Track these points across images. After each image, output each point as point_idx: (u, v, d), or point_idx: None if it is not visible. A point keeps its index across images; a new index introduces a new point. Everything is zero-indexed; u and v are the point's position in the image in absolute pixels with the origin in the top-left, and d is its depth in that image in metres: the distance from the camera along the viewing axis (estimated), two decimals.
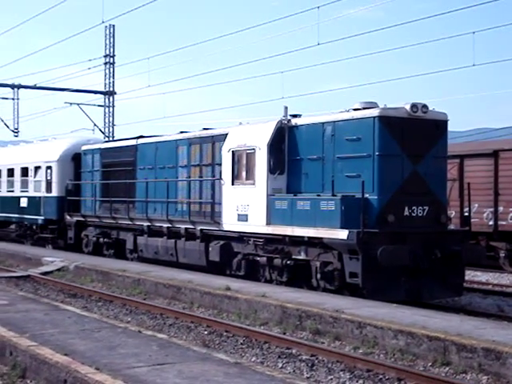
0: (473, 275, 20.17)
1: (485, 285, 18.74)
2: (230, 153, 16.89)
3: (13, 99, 38.70)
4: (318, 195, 14.60)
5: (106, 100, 39.88)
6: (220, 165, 17.45)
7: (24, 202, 27.96)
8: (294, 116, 16.17)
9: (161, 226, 19.78)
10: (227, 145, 17.10)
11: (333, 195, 14.07)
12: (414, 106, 14.04)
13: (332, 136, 14.82)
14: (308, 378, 9.05)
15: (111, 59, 39.40)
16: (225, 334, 11.94)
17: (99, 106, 39.96)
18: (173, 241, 19.10)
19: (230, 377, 7.38)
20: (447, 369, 9.44)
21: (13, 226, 29.78)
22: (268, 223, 15.66)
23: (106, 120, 39.96)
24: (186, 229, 18.65)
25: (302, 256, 15.01)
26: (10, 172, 29.58)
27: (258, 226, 15.93)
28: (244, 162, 16.47)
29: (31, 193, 27.49)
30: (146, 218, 20.46)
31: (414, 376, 8.94)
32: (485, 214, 21.63)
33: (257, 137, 16.24)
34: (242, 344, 11.20)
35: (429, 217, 14.23)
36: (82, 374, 7.37)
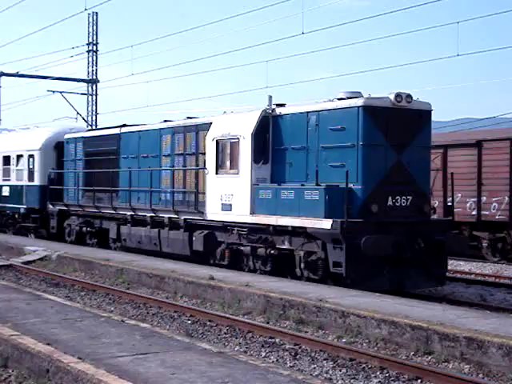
0: (456, 265, 20.30)
1: (467, 274, 18.86)
2: (214, 142, 16.84)
3: None
4: (302, 185, 14.60)
5: (89, 88, 39.68)
6: (204, 154, 17.39)
7: (6, 191, 27.76)
8: (279, 105, 16.13)
9: (144, 216, 19.71)
10: (211, 134, 17.04)
11: (317, 185, 14.07)
12: (398, 95, 14.05)
13: (316, 125, 14.81)
14: (291, 367, 9.06)
15: (94, 47, 39.19)
16: (208, 323, 11.93)
17: (82, 94, 39.77)
18: (156, 230, 19.04)
19: (214, 366, 7.37)
20: (430, 358, 9.49)
21: None
22: (252, 213, 15.64)
23: (89, 108, 39.76)
24: (169, 218, 18.59)
25: (286, 245, 15.02)
26: None
27: (242, 215, 15.91)
28: (228, 151, 16.42)
29: (13, 181, 27.28)
30: (129, 207, 20.37)
31: (397, 365, 8.98)
32: (468, 204, 21.75)
33: (241, 126, 16.20)
34: (225, 333, 11.20)
35: (412, 207, 14.28)
36: (65, 364, 7.33)
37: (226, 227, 16.58)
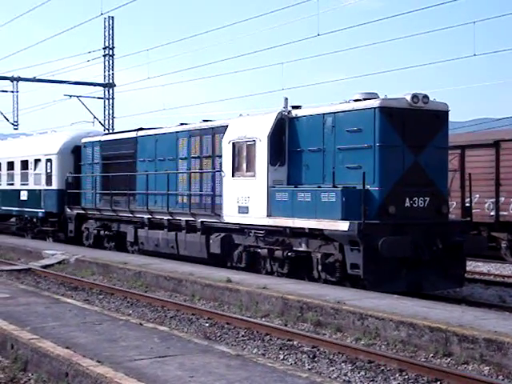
0: (474, 266, 20.17)
1: (486, 275, 18.73)
2: (231, 144, 16.85)
3: (12, 92, 38.65)
4: (319, 187, 14.57)
5: (106, 92, 39.82)
6: (220, 157, 17.42)
7: (24, 195, 27.94)
8: (295, 107, 16.11)
9: (161, 219, 19.76)
10: (227, 136, 17.06)
11: (334, 187, 14.04)
12: (414, 96, 13.99)
13: (332, 127, 14.78)
14: (309, 369, 9.04)
15: (110, 51, 39.32)
16: (226, 326, 11.93)
17: (99, 98, 39.90)
18: (173, 233, 19.08)
19: (232, 369, 7.37)
20: (449, 360, 9.43)
21: (13, 219, 29.77)
22: (269, 215, 15.63)
23: (106, 112, 39.90)
24: (186, 221, 18.63)
25: (303, 248, 14.99)
26: (10, 165, 29.54)
27: (259, 217, 15.90)
28: (244, 153, 16.43)
29: (31, 186, 27.46)
30: (146, 210, 20.44)
31: (416, 367, 8.93)
32: (486, 205, 21.61)
33: (257, 128, 16.20)
34: (243, 336, 11.19)
35: (430, 208, 14.20)
36: (84, 367, 7.36)
37: (243, 230, 16.59)
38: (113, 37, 39.26)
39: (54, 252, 21.76)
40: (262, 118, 16.40)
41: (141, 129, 21.86)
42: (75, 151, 25.34)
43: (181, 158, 19.34)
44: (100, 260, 19.30)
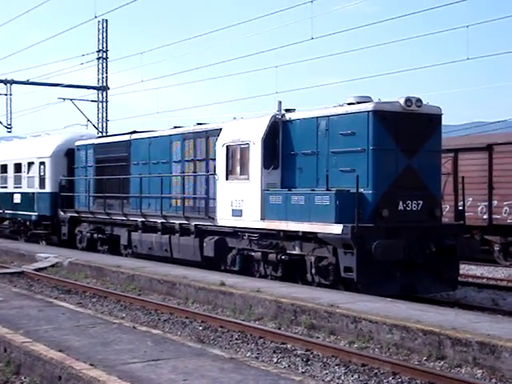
0: (467, 269, 20.21)
1: (479, 279, 18.78)
2: (224, 148, 16.86)
3: (5, 95, 38.61)
4: (313, 190, 14.59)
5: (100, 95, 39.78)
6: (214, 160, 17.42)
7: (17, 198, 27.88)
8: (288, 110, 16.14)
9: (155, 222, 19.74)
10: (221, 140, 17.06)
11: (327, 190, 14.06)
12: (408, 100, 14.03)
13: (326, 130, 14.80)
14: (303, 372, 9.05)
15: (104, 54, 39.30)
16: (220, 329, 11.93)
17: (92, 101, 39.87)
18: (167, 236, 19.06)
19: (225, 372, 7.37)
20: (442, 363, 9.45)
21: (6, 223, 29.69)
22: (262, 218, 15.64)
23: (100, 115, 39.86)
24: (180, 224, 18.62)
25: (297, 251, 15.00)
26: (4, 168, 29.47)
27: (253, 221, 15.91)
28: (238, 156, 16.44)
29: (25, 189, 27.40)
30: (140, 213, 20.42)
31: (409, 370, 8.95)
32: (479, 208, 21.67)
33: (251, 131, 16.21)
34: (236, 339, 11.19)
35: (423, 211, 14.24)
36: (77, 370, 7.34)
37: (237, 233, 16.59)
38: (106, 40, 39.26)
39: (47, 255, 21.71)
40: (255, 122, 16.41)
41: (134, 132, 21.85)
42: (69, 154, 25.31)
43: (174, 161, 19.33)
44: (93, 263, 19.26)
